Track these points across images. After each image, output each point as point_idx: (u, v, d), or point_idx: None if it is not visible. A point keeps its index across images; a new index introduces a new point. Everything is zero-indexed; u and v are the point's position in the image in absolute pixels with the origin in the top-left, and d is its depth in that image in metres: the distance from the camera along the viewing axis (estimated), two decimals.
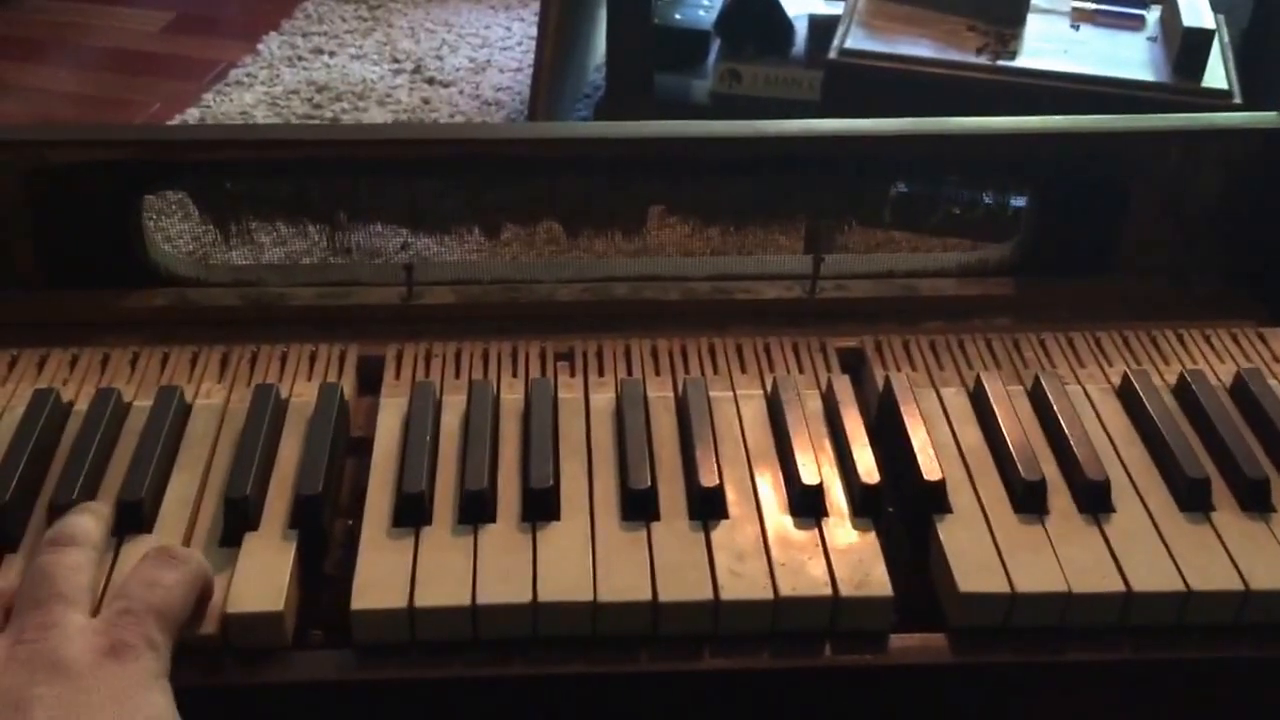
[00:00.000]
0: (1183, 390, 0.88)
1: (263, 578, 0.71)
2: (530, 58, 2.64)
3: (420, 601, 0.70)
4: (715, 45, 2.46)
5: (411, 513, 0.75)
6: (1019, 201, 1.09)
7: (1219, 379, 0.89)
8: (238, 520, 0.75)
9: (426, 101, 2.58)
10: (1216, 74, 1.83)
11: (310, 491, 0.75)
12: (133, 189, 0.94)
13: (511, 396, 0.85)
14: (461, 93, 2.63)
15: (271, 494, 0.77)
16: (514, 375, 0.87)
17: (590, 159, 0.96)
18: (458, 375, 0.87)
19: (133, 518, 0.75)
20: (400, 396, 0.85)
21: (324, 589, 0.75)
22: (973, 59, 1.83)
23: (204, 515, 0.76)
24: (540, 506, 0.76)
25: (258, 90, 2.59)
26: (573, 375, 0.88)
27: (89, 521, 0.71)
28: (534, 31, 2.58)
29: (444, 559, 0.73)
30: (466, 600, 0.70)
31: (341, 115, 2.51)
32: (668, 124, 0.96)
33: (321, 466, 0.77)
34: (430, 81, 2.66)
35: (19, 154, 0.92)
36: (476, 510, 0.75)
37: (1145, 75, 1.83)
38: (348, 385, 0.86)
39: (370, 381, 0.88)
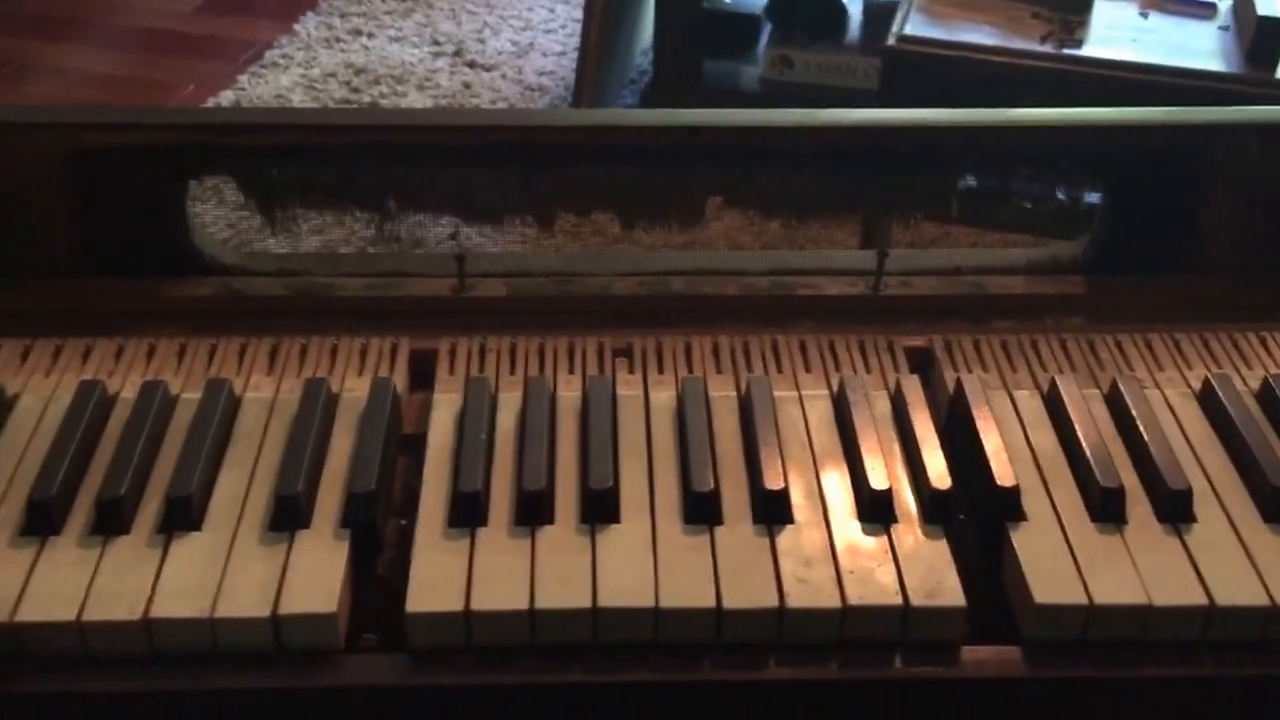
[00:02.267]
0: (1267, 395, 0.87)
1: (315, 578, 0.71)
2: (574, 41, 2.63)
3: (477, 605, 0.70)
4: (766, 30, 2.45)
5: (467, 513, 0.75)
6: (1091, 197, 1.07)
7: None
8: (289, 518, 0.75)
9: (467, 86, 2.58)
10: None
11: (364, 489, 0.75)
12: (177, 174, 0.94)
13: (568, 394, 0.85)
14: (504, 77, 2.62)
15: (323, 491, 0.77)
16: (570, 371, 0.87)
17: (649, 147, 0.95)
18: (513, 371, 0.87)
19: (182, 514, 0.75)
20: (454, 392, 0.85)
21: (376, 591, 0.75)
22: (1037, 47, 1.81)
23: (253, 512, 0.76)
24: (600, 508, 0.76)
25: (294, 73, 2.59)
26: (631, 372, 0.87)
27: None
28: (578, 14, 2.57)
29: (501, 561, 0.73)
30: (524, 604, 0.70)
31: (380, 99, 2.51)
32: (728, 112, 0.96)
33: (375, 463, 0.77)
34: (471, 65, 2.65)
35: (58, 136, 0.92)
36: (534, 511, 0.75)
37: (1216, 66, 1.81)
38: (399, 380, 0.86)
39: (421, 376, 0.88)
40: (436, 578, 0.71)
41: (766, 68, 2.43)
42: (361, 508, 0.75)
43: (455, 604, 0.70)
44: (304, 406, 0.82)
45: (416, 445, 0.82)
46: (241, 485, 0.78)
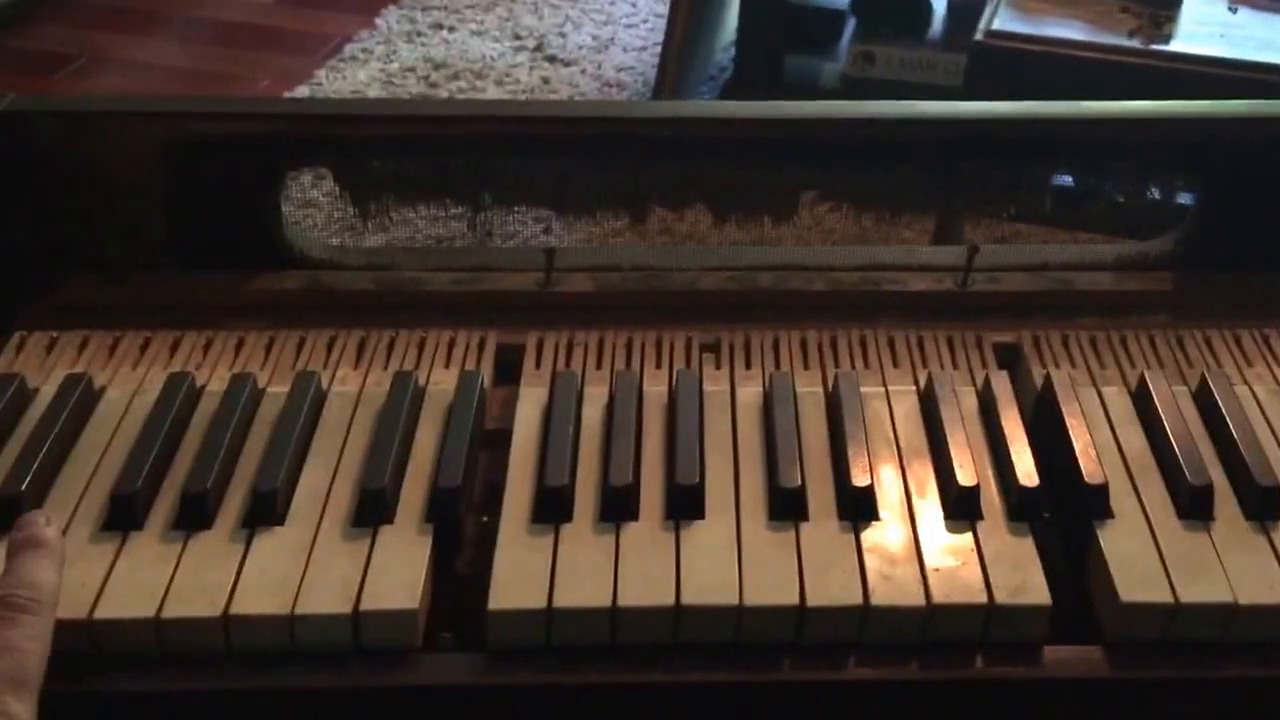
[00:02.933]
0: None
1: (398, 573, 0.72)
2: (655, 36, 2.64)
3: (559, 602, 0.70)
4: (850, 26, 2.44)
5: (552, 508, 0.76)
6: (1182, 198, 1.07)
7: None
8: (373, 512, 0.76)
9: (546, 81, 2.60)
10: None
11: (450, 484, 0.76)
12: (275, 165, 0.96)
13: (655, 389, 0.86)
14: (583, 72, 2.64)
15: (407, 486, 0.78)
16: (657, 366, 0.88)
17: (743, 140, 0.96)
18: (599, 365, 0.88)
19: (266, 509, 0.76)
20: (540, 386, 0.86)
21: (455, 589, 0.75)
22: (1125, 42, 1.80)
23: (336, 506, 0.77)
24: (685, 504, 0.76)
25: (372, 67, 2.62)
26: (718, 367, 0.88)
27: (48, 575, 0.67)
28: (660, 8, 2.58)
29: (585, 558, 0.73)
30: (607, 601, 0.71)
31: (457, 94, 2.54)
32: (825, 104, 0.97)
33: (461, 458, 0.78)
34: (551, 60, 2.67)
35: (156, 126, 0.94)
36: (619, 507, 0.76)
37: None
38: (485, 374, 0.87)
39: (505, 370, 0.89)
40: (519, 574, 0.72)
41: (848, 64, 2.42)
42: (446, 503, 0.76)
43: (538, 601, 0.70)
44: (390, 399, 0.83)
45: (500, 440, 0.83)
46: (326, 479, 0.79)
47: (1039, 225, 1.69)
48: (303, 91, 2.56)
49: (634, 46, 2.74)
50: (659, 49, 2.40)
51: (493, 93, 2.56)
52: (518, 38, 2.73)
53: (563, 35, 2.75)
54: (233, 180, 0.95)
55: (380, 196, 0.95)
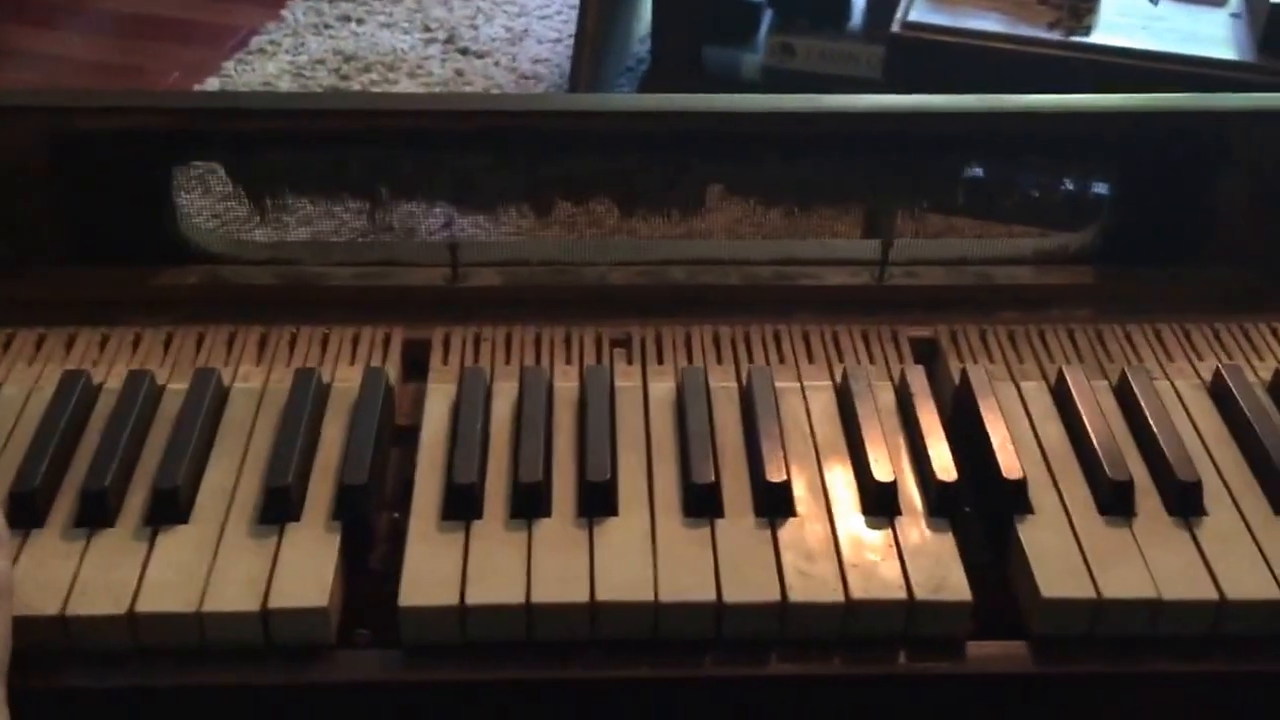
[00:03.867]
0: (1278, 387, 0.87)
1: (305, 571, 0.71)
2: (570, 27, 2.63)
3: (472, 599, 0.70)
4: (767, 17, 2.45)
5: (462, 505, 0.75)
6: (1099, 189, 1.08)
7: None
8: (279, 510, 0.75)
9: (460, 74, 2.58)
10: None
11: (356, 481, 0.75)
12: (165, 159, 0.94)
13: (566, 385, 0.85)
14: (497, 64, 2.62)
15: (314, 483, 0.77)
16: (568, 362, 0.87)
17: (648, 134, 0.95)
18: (508, 361, 0.87)
19: (169, 506, 0.75)
20: (448, 383, 0.85)
21: (368, 585, 0.75)
22: (1045, 34, 1.82)
23: (242, 504, 0.76)
24: (598, 501, 0.76)
25: (281, 59, 2.59)
26: (630, 362, 0.88)
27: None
28: None
29: (496, 555, 0.73)
30: (521, 599, 0.70)
31: (370, 87, 2.51)
32: (730, 97, 0.96)
33: (367, 454, 0.77)
34: (464, 52, 2.65)
35: (44, 121, 0.92)
36: (530, 504, 0.75)
37: (1228, 54, 1.81)
38: (392, 370, 0.86)
39: (414, 366, 0.88)
40: (430, 571, 0.72)
41: (768, 55, 2.42)
42: (353, 500, 0.75)
43: (449, 598, 0.70)
44: (294, 397, 0.82)
45: (409, 437, 0.82)
46: (230, 477, 0.78)
47: (966, 218, 1.71)
48: (212, 84, 2.53)
49: (548, 38, 2.73)
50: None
51: (405, 85, 2.54)
52: (427, 29, 2.71)
53: (474, 27, 2.73)
54: (122, 175, 0.93)
55: (274, 191, 0.93)
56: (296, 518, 0.75)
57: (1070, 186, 1.03)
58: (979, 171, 0.99)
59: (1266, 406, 0.85)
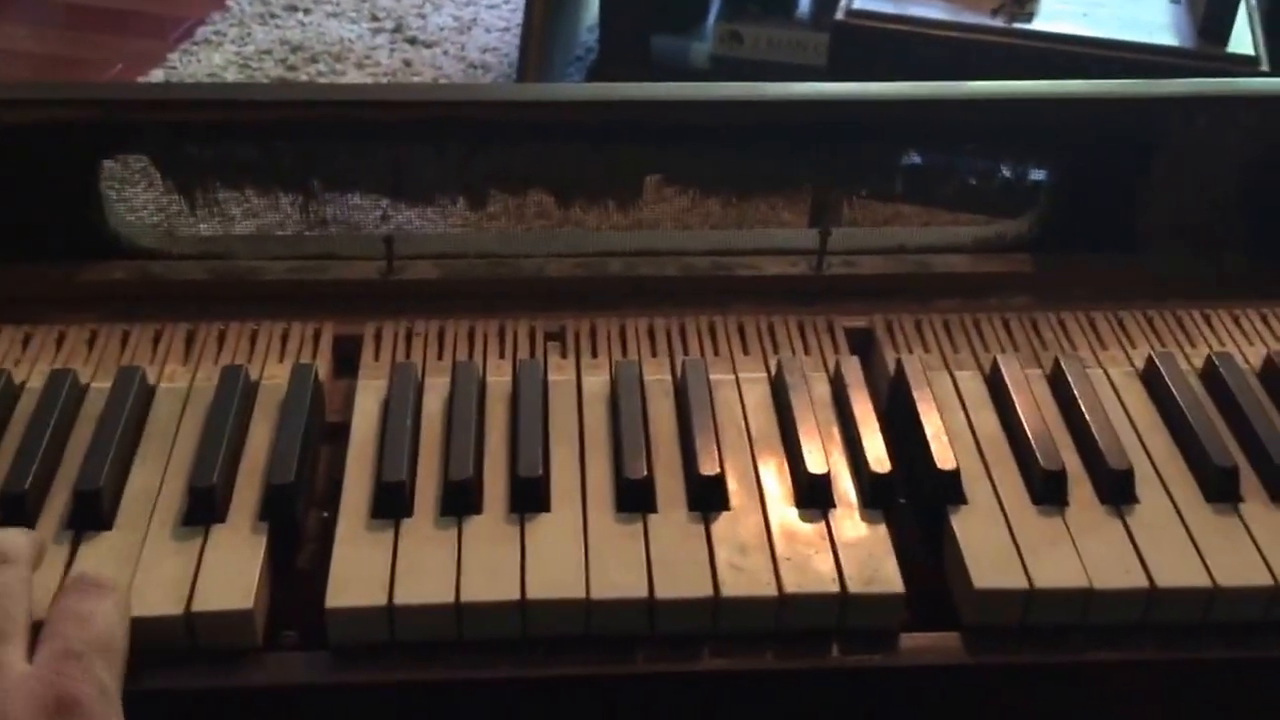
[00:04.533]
0: (1210, 374, 0.87)
1: (231, 573, 0.70)
2: (518, 16, 2.61)
3: (400, 599, 0.69)
4: (715, 5, 2.44)
5: (391, 503, 0.74)
6: (1038, 174, 1.07)
7: (1248, 362, 0.88)
8: (204, 511, 0.73)
9: (408, 64, 2.56)
10: (1243, 39, 1.81)
11: (282, 480, 0.74)
12: (91, 153, 0.92)
13: (498, 379, 0.84)
14: (445, 54, 2.60)
15: (240, 483, 0.75)
16: (501, 356, 0.86)
17: (584, 124, 0.94)
18: (440, 356, 0.86)
19: (91, 510, 0.73)
20: (379, 378, 0.83)
21: (298, 586, 0.73)
22: (988, 21, 1.82)
23: (166, 506, 0.74)
24: (529, 497, 0.75)
25: (227, 50, 2.56)
26: (564, 356, 0.87)
27: (17, 535, 0.67)
28: None
29: (426, 553, 0.72)
30: (450, 598, 0.69)
31: (317, 78, 2.49)
32: (666, 86, 0.95)
33: (294, 454, 0.75)
34: (412, 42, 2.63)
35: None
36: (461, 501, 0.74)
37: (1169, 40, 1.82)
38: (323, 366, 0.85)
39: (347, 362, 0.87)
40: (358, 571, 0.70)
41: (716, 43, 2.42)
42: (280, 500, 0.73)
43: (377, 599, 0.69)
44: (220, 395, 0.80)
45: (341, 434, 0.81)
46: (154, 479, 0.76)
47: (915, 205, 1.71)
48: (157, 75, 2.50)
49: (497, 27, 2.71)
50: None
51: (353, 76, 2.52)
52: (375, 19, 2.69)
53: (422, 17, 2.71)
54: (47, 168, 0.91)
55: (205, 185, 0.92)
56: (222, 519, 0.73)
57: (1008, 174, 1.02)
58: (918, 159, 0.99)
59: (1198, 393, 0.85)
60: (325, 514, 0.76)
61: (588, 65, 2.57)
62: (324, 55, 2.54)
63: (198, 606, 0.68)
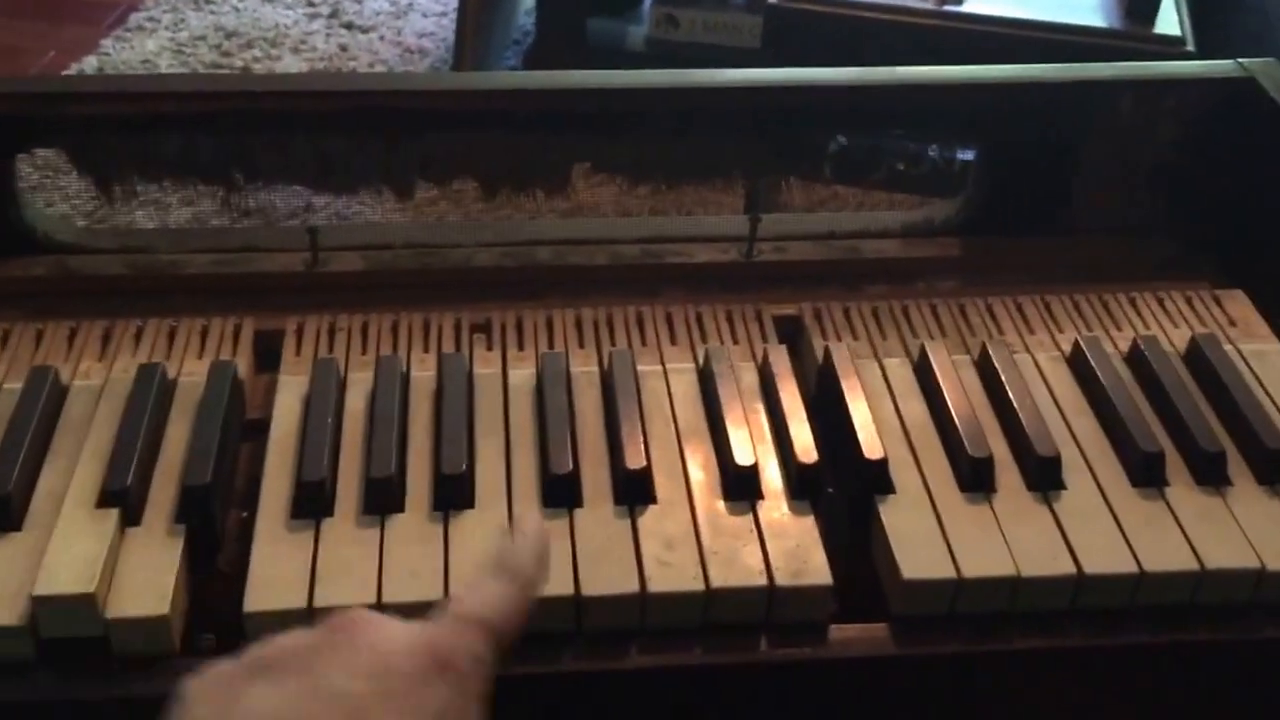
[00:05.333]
0: (1135, 357, 0.86)
1: (146, 578, 0.67)
2: (455, 1, 2.57)
3: (321, 601, 0.67)
4: None
5: (311, 503, 0.71)
6: (966, 155, 1.06)
7: (1173, 345, 0.88)
8: (117, 514, 0.70)
9: (344, 49, 2.51)
10: (1169, 20, 1.81)
11: (197, 481, 0.71)
12: (3, 148, 0.89)
13: (423, 373, 0.81)
14: (382, 39, 2.56)
15: (156, 485, 0.73)
16: (425, 350, 0.83)
17: (509, 113, 0.92)
18: (364, 350, 0.83)
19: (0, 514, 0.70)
20: (300, 374, 0.81)
21: (218, 587, 0.71)
22: (919, 4, 1.80)
23: (79, 509, 0.71)
24: (453, 494, 0.72)
25: (161, 36, 2.51)
26: (490, 348, 0.84)
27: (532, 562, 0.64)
28: None
29: (347, 553, 0.69)
30: (372, 598, 0.67)
31: (253, 64, 2.44)
32: (590, 74, 0.93)
33: (210, 454, 0.73)
34: (348, 27, 2.58)
35: None
36: (383, 499, 0.72)
37: (1096, 21, 1.81)
38: (243, 362, 0.82)
39: (271, 357, 0.84)
40: (277, 573, 0.68)
41: (652, 27, 2.39)
42: (196, 501, 0.71)
43: (297, 601, 0.66)
44: (136, 394, 0.77)
45: (263, 431, 0.78)
46: (66, 480, 0.73)
47: (847, 189, 1.69)
48: (91, 63, 2.44)
49: (434, 11, 2.67)
50: None
51: (289, 61, 2.47)
52: (311, 4, 2.64)
53: (358, 1, 2.67)
54: None
55: (122, 178, 0.88)
56: (137, 522, 0.70)
57: (937, 158, 1.01)
58: (844, 143, 0.97)
59: (1123, 377, 0.84)
60: (245, 514, 0.74)
61: (525, 49, 2.54)
62: (259, 41, 2.49)
63: (112, 613, 0.66)
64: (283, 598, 0.67)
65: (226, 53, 2.46)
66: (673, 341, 0.86)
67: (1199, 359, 0.85)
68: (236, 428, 0.78)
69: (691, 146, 0.93)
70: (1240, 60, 0.97)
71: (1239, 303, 0.91)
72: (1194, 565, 0.72)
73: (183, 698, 0.53)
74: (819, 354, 0.85)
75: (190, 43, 2.48)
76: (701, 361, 0.84)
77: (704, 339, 0.86)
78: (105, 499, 0.71)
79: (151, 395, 0.77)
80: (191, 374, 0.80)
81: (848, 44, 1.79)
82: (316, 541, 0.70)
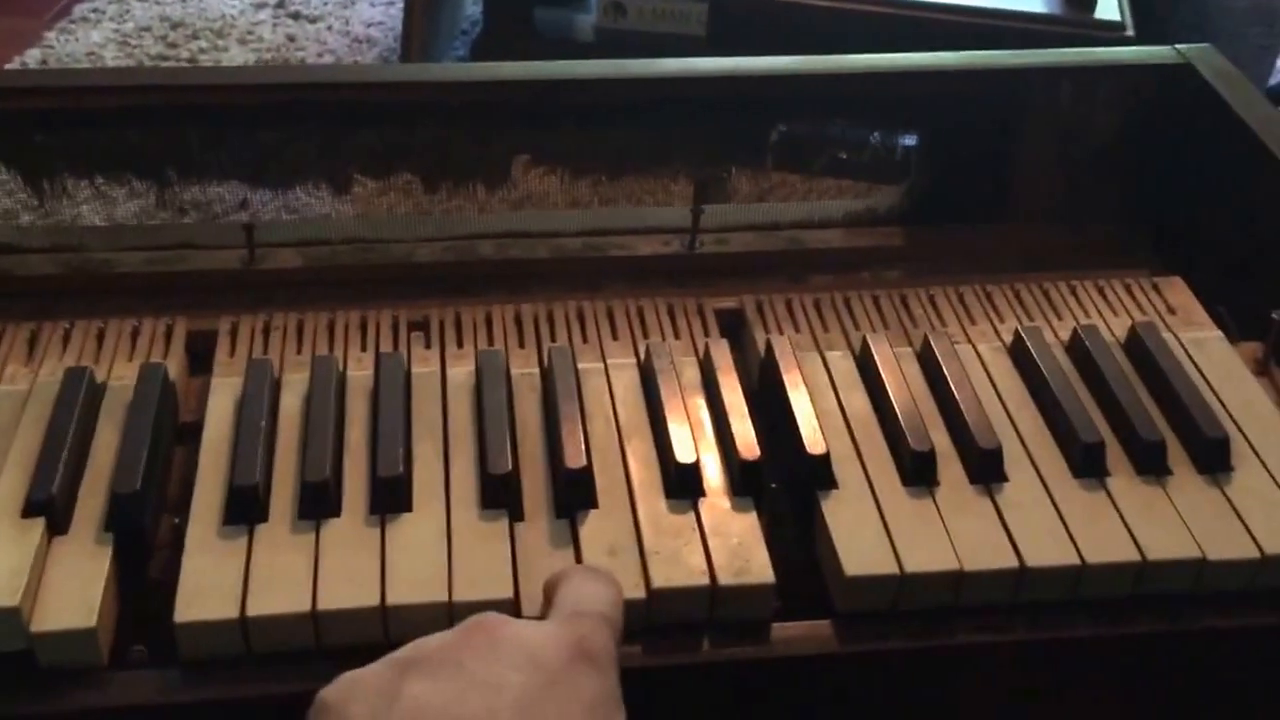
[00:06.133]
0: (1076, 347, 0.84)
1: (72, 590, 0.64)
2: None
3: (254, 610, 0.64)
4: None
5: (244, 508, 0.69)
6: (908, 141, 1.05)
7: (1113, 333, 0.86)
8: (44, 524, 0.67)
9: (292, 39, 2.47)
10: (1109, 5, 1.81)
11: (126, 489, 0.68)
12: None
13: (359, 373, 0.79)
14: (330, 28, 2.51)
15: (84, 493, 0.70)
16: (363, 349, 0.81)
17: (447, 105, 0.89)
18: (299, 350, 0.80)
19: None
20: (234, 376, 0.78)
21: (150, 597, 0.68)
22: None
23: (3, 519, 0.68)
24: (390, 497, 0.70)
25: (106, 27, 2.45)
26: (428, 346, 0.82)
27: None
28: None
29: (281, 560, 0.67)
30: (306, 606, 0.64)
31: (199, 55, 2.39)
32: (529, 65, 0.90)
33: (140, 460, 0.70)
34: (295, 17, 2.54)
35: None
36: (318, 504, 0.69)
37: (1036, 7, 1.81)
38: (175, 364, 0.79)
39: (204, 359, 0.81)
40: (209, 582, 0.65)
41: (599, 15, 2.36)
42: (124, 510, 0.68)
43: (229, 611, 0.64)
44: (62, 398, 0.74)
45: (196, 434, 0.75)
46: None
47: (791, 175, 1.68)
48: (34, 55, 2.38)
49: (381, 0, 2.62)
50: None
51: (235, 52, 2.42)
52: None
53: None
54: None
55: (51, 174, 0.85)
56: (64, 531, 0.67)
57: (876, 144, 1.00)
58: (785, 131, 0.95)
59: (1064, 367, 0.82)
60: (177, 520, 0.71)
61: (473, 39, 2.50)
62: (205, 31, 2.44)
63: (38, 626, 0.63)
64: (215, 608, 0.64)
65: (173, 44, 2.40)
66: (614, 337, 0.83)
67: (1138, 348, 0.84)
68: (168, 432, 0.75)
69: (631, 138, 0.91)
70: (1177, 46, 0.96)
71: (1178, 290, 0.90)
72: (1135, 556, 0.70)
73: (327, 707, 0.52)
74: (761, 347, 0.83)
75: (135, 34, 2.43)
76: (643, 357, 0.81)
77: (645, 334, 0.84)
78: (30, 508, 0.68)
79: (79, 400, 0.74)
80: (121, 377, 0.77)
81: (792, 31, 1.78)
82: (250, 548, 0.67)
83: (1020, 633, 0.70)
